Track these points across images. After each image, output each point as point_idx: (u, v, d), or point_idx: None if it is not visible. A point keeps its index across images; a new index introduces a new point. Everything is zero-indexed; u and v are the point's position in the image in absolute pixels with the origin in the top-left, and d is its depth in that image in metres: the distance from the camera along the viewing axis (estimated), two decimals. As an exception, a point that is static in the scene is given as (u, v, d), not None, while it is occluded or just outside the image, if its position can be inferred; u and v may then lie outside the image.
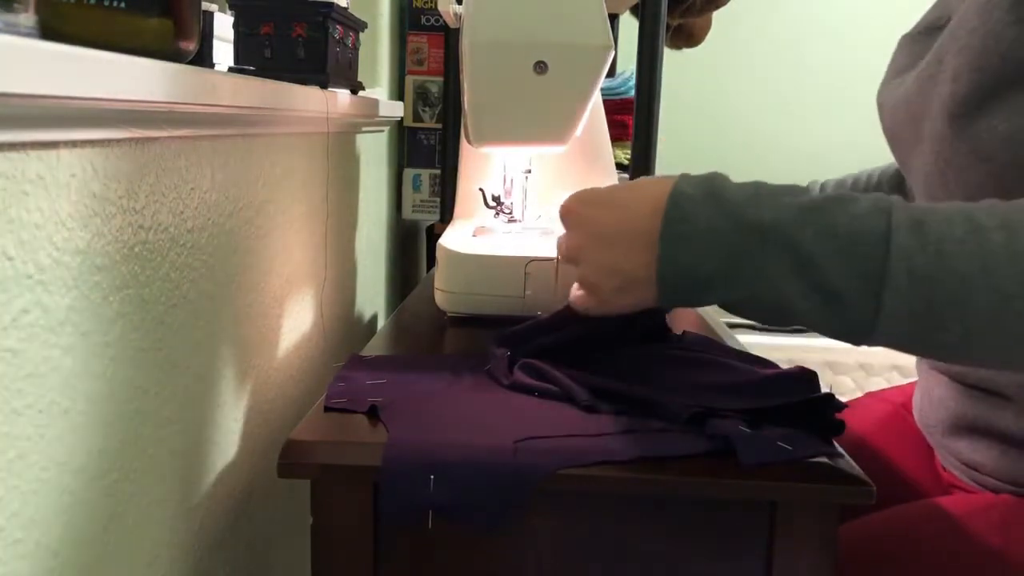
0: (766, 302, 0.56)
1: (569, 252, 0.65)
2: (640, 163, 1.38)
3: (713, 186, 0.58)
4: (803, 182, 0.92)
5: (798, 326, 0.57)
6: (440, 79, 1.61)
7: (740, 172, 0.58)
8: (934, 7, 0.79)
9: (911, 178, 0.77)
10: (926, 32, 0.78)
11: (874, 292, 0.52)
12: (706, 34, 1.93)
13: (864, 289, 0.52)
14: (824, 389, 0.61)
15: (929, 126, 0.69)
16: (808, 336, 2.26)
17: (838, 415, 0.60)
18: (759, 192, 0.57)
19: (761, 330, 2.27)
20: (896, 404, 0.93)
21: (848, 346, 0.72)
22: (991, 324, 0.51)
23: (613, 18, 1.77)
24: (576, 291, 0.66)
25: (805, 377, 0.62)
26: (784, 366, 0.66)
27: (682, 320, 1.04)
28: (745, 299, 0.57)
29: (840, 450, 0.59)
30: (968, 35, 0.64)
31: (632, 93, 1.53)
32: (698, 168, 0.63)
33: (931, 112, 0.69)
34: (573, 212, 0.64)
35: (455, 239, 0.93)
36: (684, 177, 0.59)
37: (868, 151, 2.07)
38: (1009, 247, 0.50)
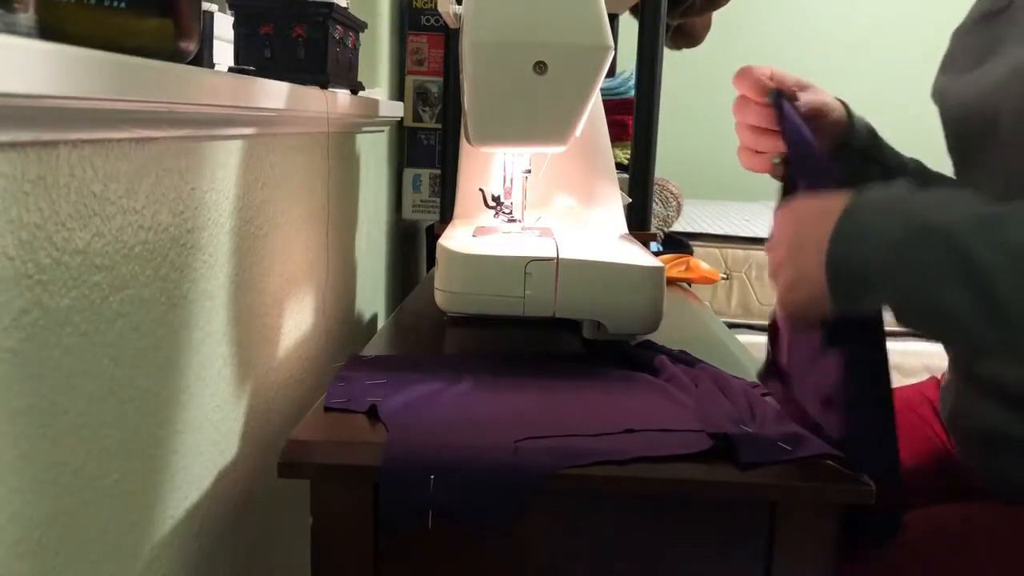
0: (925, 305, 0.53)
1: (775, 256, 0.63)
2: (640, 163, 1.38)
3: (890, 197, 0.56)
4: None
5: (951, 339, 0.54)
6: (440, 79, 1.61)
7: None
8: None
9: (980, 175, 0.73)
10: (983, 21, 0.75)
11: None
12: (706, 34, 1.94)
13: None
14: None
15: (1015, 125, 0.65)
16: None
17: None
18: (940, 200, 0.55)
19: (761, 330, 2.25)
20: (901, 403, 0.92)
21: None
22: None
23: (613, 18, 1.77)
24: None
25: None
26: None
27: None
28: (905, 300, 0.54)
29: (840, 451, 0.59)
30: None
31: (632, 93, 1.53)
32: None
33: (1020, 112, 0.65)
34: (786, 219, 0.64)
35: (455, 239, 0.93)
36: (860, 194, 0.58)
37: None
38: None
